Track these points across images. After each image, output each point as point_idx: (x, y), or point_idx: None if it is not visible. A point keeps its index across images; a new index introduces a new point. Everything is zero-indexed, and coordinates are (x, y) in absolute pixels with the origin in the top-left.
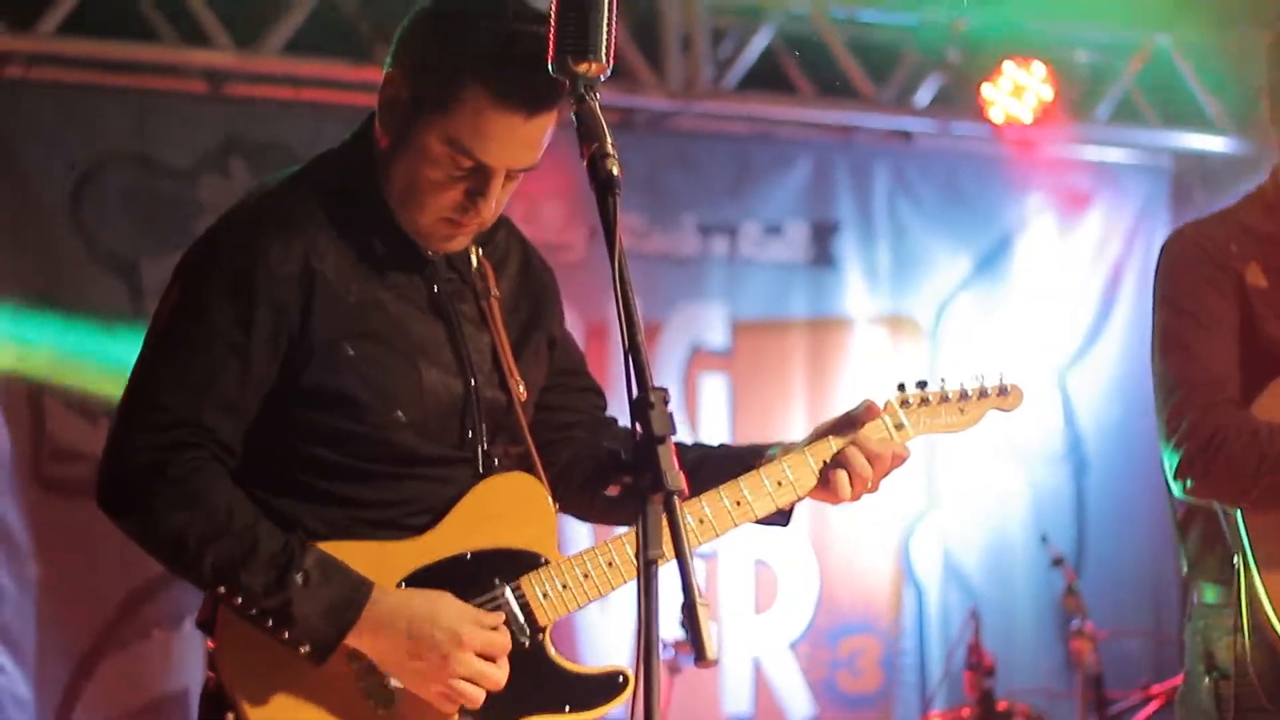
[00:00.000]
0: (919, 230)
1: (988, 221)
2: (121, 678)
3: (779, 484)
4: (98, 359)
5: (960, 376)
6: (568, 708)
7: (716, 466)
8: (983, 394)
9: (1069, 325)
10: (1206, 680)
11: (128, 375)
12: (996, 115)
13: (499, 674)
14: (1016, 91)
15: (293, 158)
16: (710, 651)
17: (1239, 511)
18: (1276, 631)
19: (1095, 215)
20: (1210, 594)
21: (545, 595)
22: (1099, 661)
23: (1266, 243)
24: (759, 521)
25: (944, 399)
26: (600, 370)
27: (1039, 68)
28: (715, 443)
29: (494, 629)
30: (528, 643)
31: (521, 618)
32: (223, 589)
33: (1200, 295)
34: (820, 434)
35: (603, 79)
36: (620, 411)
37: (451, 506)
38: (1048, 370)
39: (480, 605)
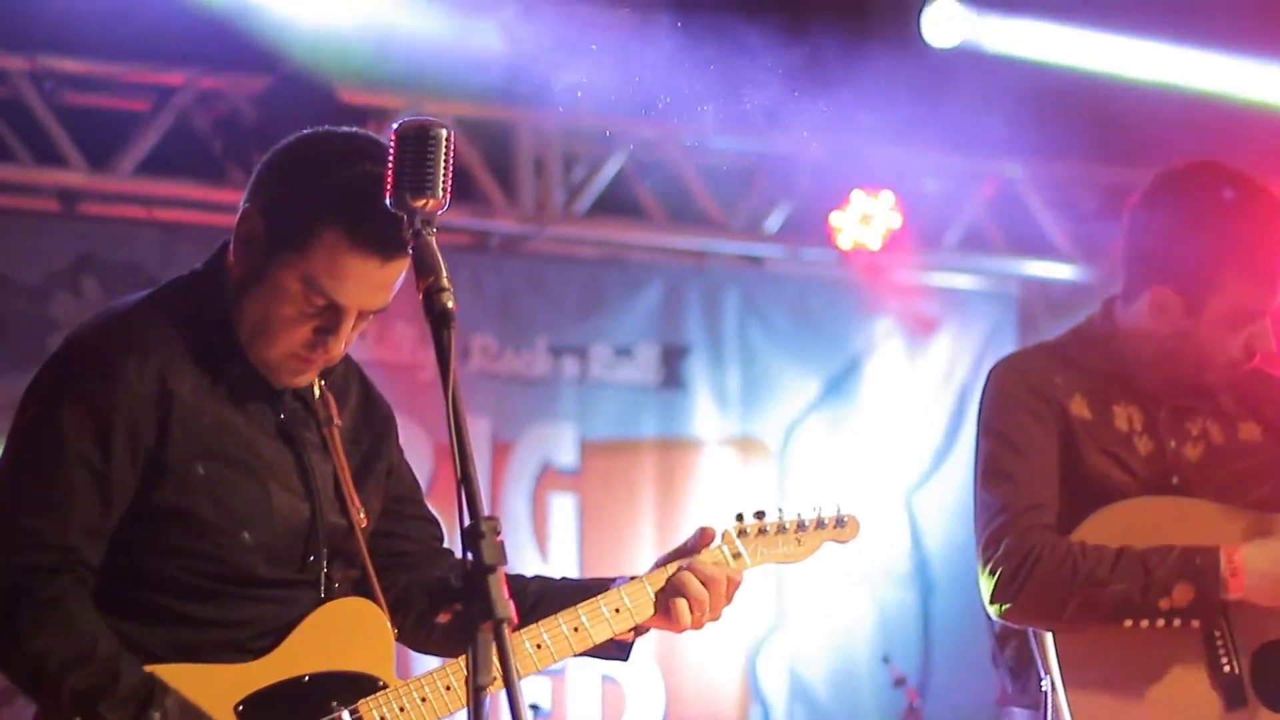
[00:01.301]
0: (769, 353)
1: (837, 345)
2: None
3: (616, 611)
4: None
5: (799, 506)
6: None
7: (557, 597)
8: (820, 525)
9: (916, 447)
10: None
11: None
12: (845, 242)
13: None
14: (865, 219)
15: (145, 277)
16: None
17: (1050, 634)
18: None
19: (943, 340)
20: None
21: (383, 719)
22: None
23: (1091, 376)
24: (599, 654)
25: (781, 529)
26: (449, 491)
27: (887, 196)
28: (558, 575)
29: None
30: None
31: None
32: (79, 717)
33: (1022, 425)
34: (660, 564)
35: (439, 214)
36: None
37: (291, 629)
38: (895, 492)
39: None
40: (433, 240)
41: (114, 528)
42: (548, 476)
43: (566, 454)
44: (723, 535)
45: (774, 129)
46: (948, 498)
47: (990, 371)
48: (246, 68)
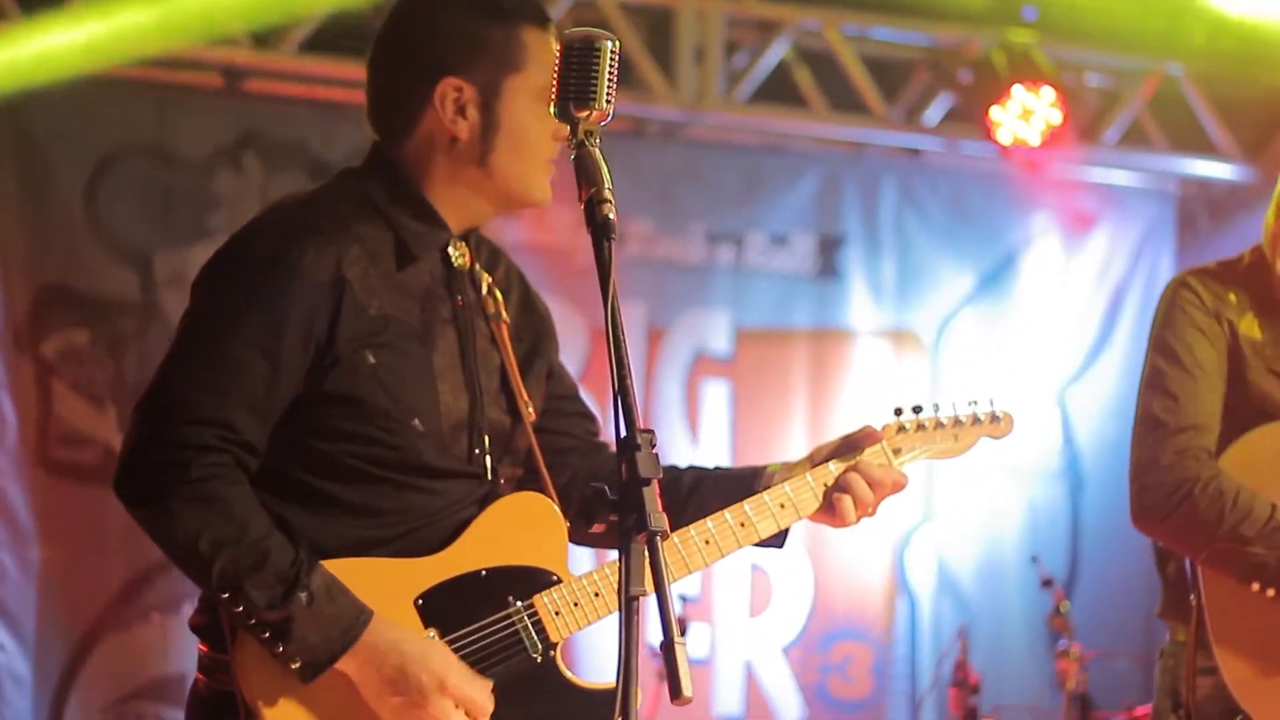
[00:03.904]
0: (924, 246)
1: (993, 239)
2: (119, 659)
3: (782, 506)
4: (107, 346)
5: (954, 400)
6: None
7: (716, 485)
8: (975, 421)
9: (1070, 344)
10: (1172, 718)
11: (131, 361)
12: (1004, 137)
13: None
14: (1025, 115)
15: (307, 155)
16: (686, 690)
17: (1200, 572)
18: (1223, 677)
19: (1100, 236)
20: (1182, 633)
21: (558, 613)
22: (1085, 681)
23: (1265, 295)
24: (757, 544)
25: (939, 425)
26: (602, 376)
27: (1048, 92)
28: (711, 465)
29: (482, 688)
30: (540, 659)
31: (535, 634)
32: (226, 595)
33: (1191, 343)
34: (820, 457)
35: (603, 125)
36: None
37: (461, 522)
38: (1048, 388)
39: (494, 621)
40: (596, 151)
41: (282, 409)
42: (701, 363)
43: (720, 341)
44: (882, 429)
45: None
46: (1101, 395)
47: (1167, 285)
48: None
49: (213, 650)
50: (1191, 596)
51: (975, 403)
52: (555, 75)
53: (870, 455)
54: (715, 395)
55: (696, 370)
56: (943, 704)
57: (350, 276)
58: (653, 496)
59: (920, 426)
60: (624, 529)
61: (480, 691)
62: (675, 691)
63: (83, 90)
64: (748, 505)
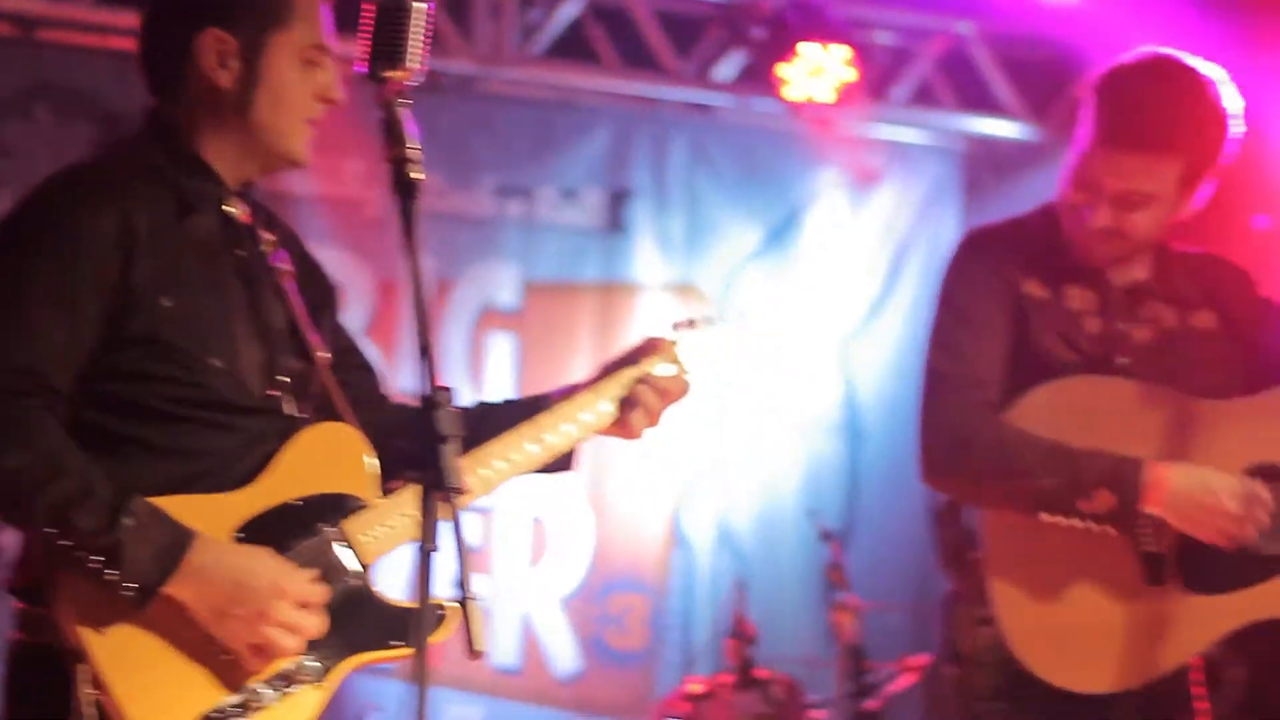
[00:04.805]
0: (713, 201)
1: (780, 195)
2: None
3: (574, 421)
4: None
5: (722, 313)
6: (393, 643)
7: (505, 413)
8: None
9: (853, 298)
10: (949, 667)
11: None
12: (794, 94)
13: (314, 624)
14: (816, 72)
15: (99, 106)
16: (479, 645)
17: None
18: (1001, 626)
19: (886, 193)
20: (960, 585)
21: (367, 536)
22: (860, 633)
23: (1049, 255)
24: (548, 469)
25: (716, 336)
26: (390, 326)
27: (839, 49)
28: (499, 399)
29: (311, 581)
30: (355, 582)
31: (347, 558)
32: (53, 529)
33: (975, 298)
34: (605, 372)
35: (411, 85)
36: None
37: (265, 456)
38: (830, 342)
39: (305, 547)
40: (403, 113)
41: (83, 359)
42: (488, 316)
43: (507, 294)
44: (663, 342)
45: None
46: (883, 349)
47: (957, 242)
48: None
49: (31, 604)
50: (971, 552)
51: (744, 313)
52: (366, 35)
53: (652, 365)
54: (500, 348)
55: (483, 323)
56: (718, 656)
57: (136, 227)
58: (452, 454)
59: (697, 337)
60: (424, 485)
61: (315, 584)
62: (469, 647)
63: None
64: (543, 421)
